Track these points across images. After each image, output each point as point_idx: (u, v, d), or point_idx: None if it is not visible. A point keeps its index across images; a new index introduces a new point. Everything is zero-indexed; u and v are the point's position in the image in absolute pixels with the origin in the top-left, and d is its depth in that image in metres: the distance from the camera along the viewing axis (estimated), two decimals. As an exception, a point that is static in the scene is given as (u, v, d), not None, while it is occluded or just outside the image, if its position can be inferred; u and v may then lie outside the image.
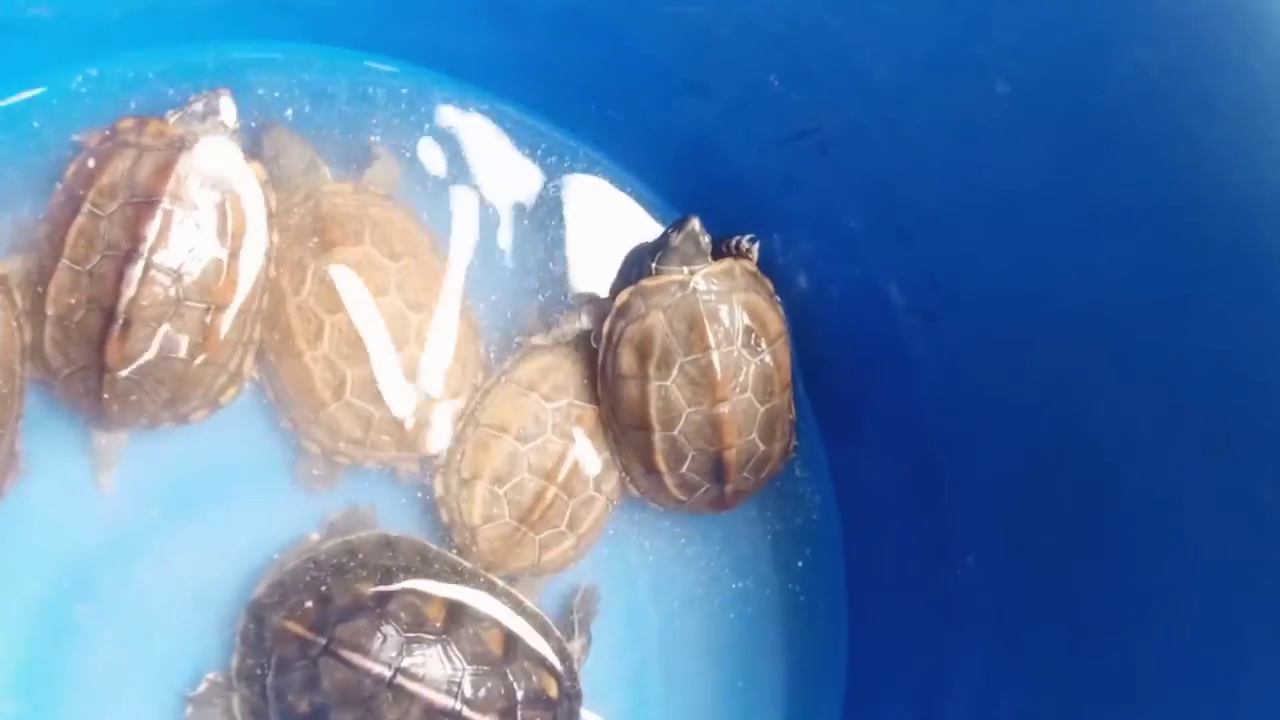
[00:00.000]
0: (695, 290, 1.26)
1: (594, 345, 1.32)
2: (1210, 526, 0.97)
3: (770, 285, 1.32)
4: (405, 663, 1.13)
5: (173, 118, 1.18)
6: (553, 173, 1.37)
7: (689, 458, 1.29)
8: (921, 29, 1.02)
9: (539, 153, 1.37)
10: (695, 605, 1.36)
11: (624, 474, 1.34)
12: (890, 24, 1.03)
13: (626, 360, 1.28)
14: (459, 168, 1.35)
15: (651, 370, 1.26)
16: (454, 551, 1.28)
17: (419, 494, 1.31)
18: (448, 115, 1.35)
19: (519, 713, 1.16)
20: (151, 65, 1.26)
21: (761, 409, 1.28)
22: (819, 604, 1.39)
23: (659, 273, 1.28)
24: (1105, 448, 1.06)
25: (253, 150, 1.24)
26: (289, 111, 1.30)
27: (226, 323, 1.19)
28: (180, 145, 1.15)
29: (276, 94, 1.29)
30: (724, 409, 1.25)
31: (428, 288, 1.27)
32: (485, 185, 1.36)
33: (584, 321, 1.33)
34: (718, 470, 1.29)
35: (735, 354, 1.26)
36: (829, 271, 1.32)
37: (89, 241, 1.13)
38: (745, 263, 1.31)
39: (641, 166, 1.38)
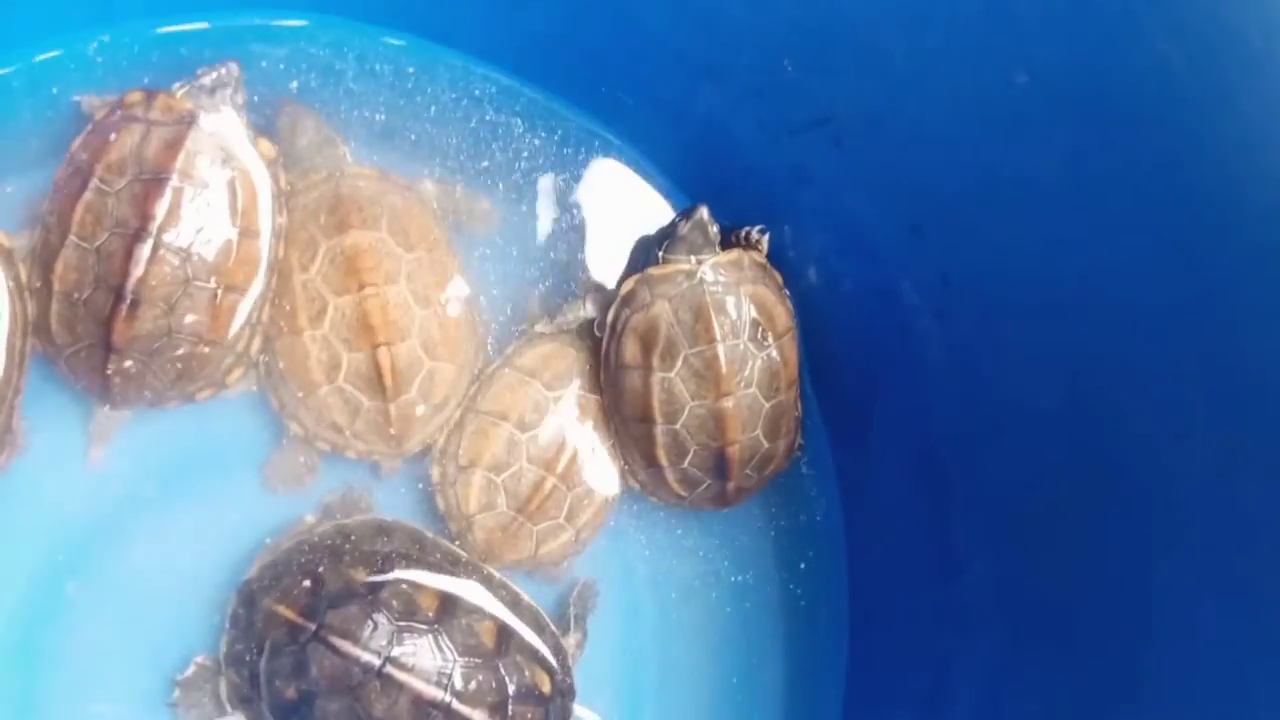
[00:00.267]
0: (702, 280, 1.23)
1: (597, 334, 1.30)
2: (1219, 533, 0.95)
3: (779, 278, 1.30)
4: (395, 652, 1.11)
5: (180, 91, 1.17)
6: (563, 156, 1.35)
7: (691, 452, 1.26)
8: (939, 15, 0.99)
9: (550, 135, 1.35)
10: (693, 597, 1.34)
11: (624, 467, 1.32)
12: (908, 10, 1.01)
13: (630, 350, 1.26)
14: (467, 149, 1.33)
15: (655, 361, 1.24)
16: (450, 540, 1.26)
17: (416, 481, 1.30)
18: (457, 95, 1.33)
19: (510, 707, 1.15)
20: (164, 33, 1.24)
21: (767, 405, 1.26)
22: (820, 604, 1.37)
23: (666, 261, 1.25)
24: (1116, 452, 1.03)
25: (261, 126, 1.22)
26: (294, 84, 1.28)
27: (235, 303, 1.17)
28: (189, 121, 1.14)
29: (282, 67, 1.27)
30: (728, 404, 1.23)
31: (437, 283, 1.25)
32: (493, 167, 1.34)
33: (588, 309, 1.32)
34: (720, 466, 1.27)
35: (741, 347, 1.23)
36: (840, 266, 1.29)
37: (96, 218, 1.12)
38: (754, 254, 1.28)
39: (653, 152, 1.35)
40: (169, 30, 1.25)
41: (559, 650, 1.22)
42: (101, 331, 1.13)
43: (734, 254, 1.26)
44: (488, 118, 1.33)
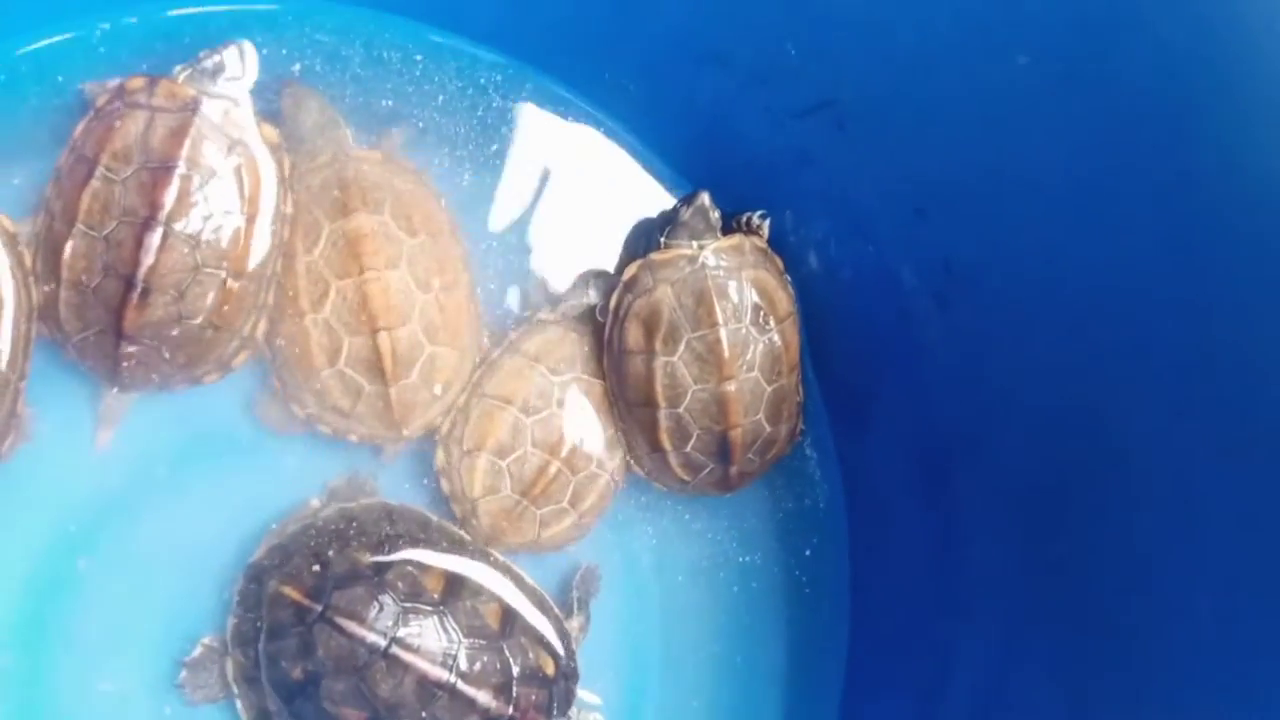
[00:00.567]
0: (704, 265, 1.24)
1: (600, 319, 1.30)
2: (1223, 524, 0.95)
3: (780, 263, 1.31)
4: (401, 633, 1.12)
5: (182, 75, 1.17)
6: (566, 143, 1.36)
7: (694, 437, 1.27)
8: (942, -3, 1.00)
9: (553, 122, 1.36)
10: (701, 578, 1.35)
11: (628, 453, 1.32)
12: (911, -9, 1.02)
13: (633, 335, 1.27)
14: (472, 136, 1.34)
15: (658, 345, 1.25)
16: (454, 524, 1.27)
17: (421, 465, 1.30)
18: (462, 83, 1.33)
19: (514, 688, 1.15)
20: (169, 18, 1.24)
21: (768, 389, 1.27)
22: (822, 587, 1.37)
23: (668, 247, 1.26)
24: (1119, 441, 1.04)
25: (265, 112, 1.22)
26: (296, 67, 1.28)
27: (243, 288, 1.18)
28: (193, 107, 1.14)
29: (284, 52, 1.27)
30: (730, 387, 1.24)
31: (439, 269, 1.25)
32: (499, 154, 1.34)
33: (591, 296, 1.32)
34: (723, 450, 1.27)
35: (743, 331, 1.24)
36: (841, 252, 1.30)
37: (104, 207, 1.12)
38: (756, 239, 1.29)
39: (656, 138, 1.36)
40: (175, 14, 1.25)
41: (563, 633, 1.23)
42: (112, 319, 1.13)
43: (735, 239, 1.27)
44: (494, 105, 1.34)
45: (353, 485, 1.26)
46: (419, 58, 1.32)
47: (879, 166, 1.18)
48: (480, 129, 1.34)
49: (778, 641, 1.36)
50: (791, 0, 1.10)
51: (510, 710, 1.14)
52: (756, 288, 1.25)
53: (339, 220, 1.21)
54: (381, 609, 1.12)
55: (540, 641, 1.20)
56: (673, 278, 1.24)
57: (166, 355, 1.17)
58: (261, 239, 1.18)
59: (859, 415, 1.36)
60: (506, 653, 1.16)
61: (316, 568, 1.16)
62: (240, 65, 1.18)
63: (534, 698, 1.17)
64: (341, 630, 1.11)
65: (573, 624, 1.26)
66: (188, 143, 1.12)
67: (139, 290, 1.12)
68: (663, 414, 1.26)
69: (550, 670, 1.19)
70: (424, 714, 1.12)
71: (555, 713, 1.19)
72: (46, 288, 1.16)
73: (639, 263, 1.27)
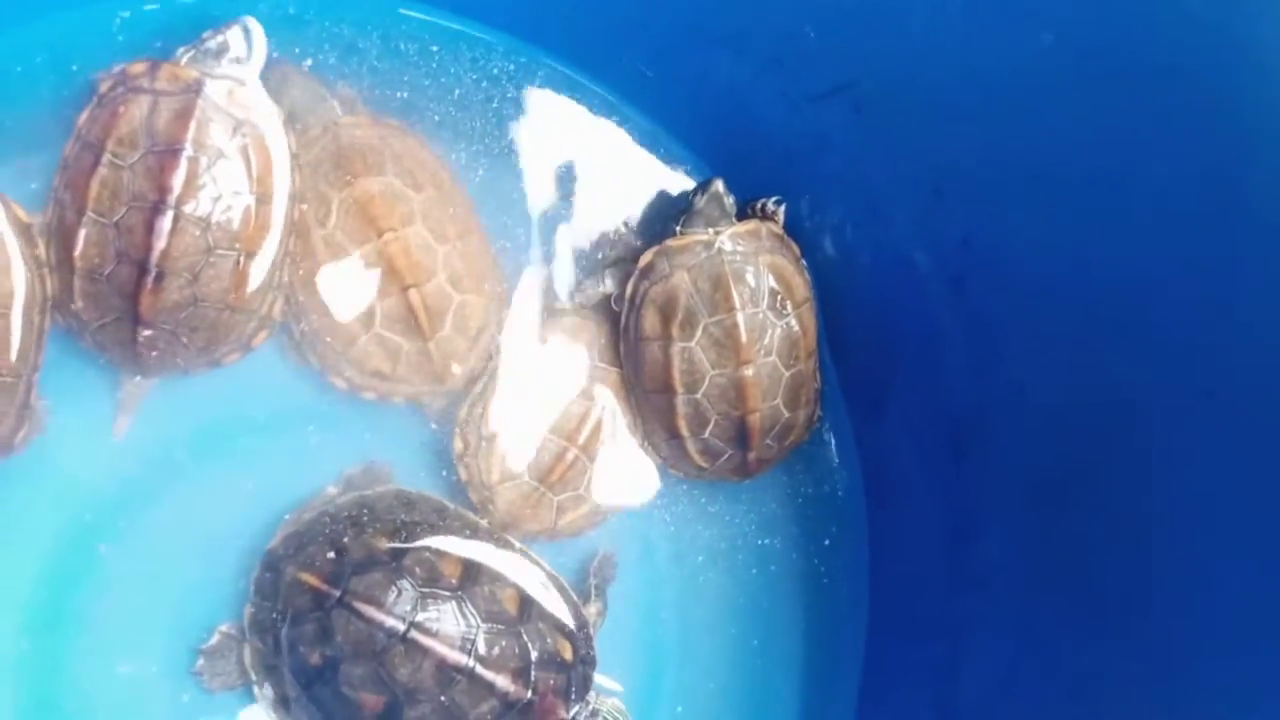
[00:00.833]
0: (721, 250, 1.24)
1: (615, 308, 1.30)
2: (1240, 509, 0.95)
3: (797, 249, 1.30)
4: (419, 617, 1.11)
5: (185, 56, 1.16)
6: (583, 131, 1.35)
7: (712, 422, 1.27)
8: (964, -25, 0.99)
9: (570, 109, 1.35)
10: (720, 560, 1.35)
11: (646, 440, 1.32)
12: (932, -31, 1.01)
13: (650, 321, 1.26)
14: (489, 129, 1.33)
15: (675, 331, 1.24)
16: (471, 511, 1.27)
17: (438, 451, 1.30)
18: (477, 74, 1.33)
19: (532, 673, 1.15)
20: (183, 5, 1.24)
21: (786, 374, 1.26)
22: (840, 572, 1.37)
23: (683, 234, 1.26)
24: (1137, 425, 1.03)
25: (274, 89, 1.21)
26: (308, 63, 1.27)
27: (257, 268, 1.17)
28: (196, 89, 1.13)
29: (297, 49, 1.27)
30: (748, 371, 1.23)
31: (452, 219, 1.25)
32: (515, 144, 1.34)
33: (607, 284, 1.32)
34: (741, 436, 1.27)
35: (761, 316, 1.24)
36: (858, 237, 1.29)
37: (113, 193, 1.12)
38: (771, 225, 1.29)
39: (672, 124, 1.35)
40: (189, 1, 1.25)
41: (580, 619, 1.23)
42: (128, 305, 1.13)
43: (752, 224, 1.27)
44: (509, 94, 1.34)
45: (369, 473, 1.26)
46: (435, 49, 1.32)
47: (897, 149, 1.17)
48: (496, 119, 1.33)
49: (795, 625, 1.35)
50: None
51: (529, 695, 1.14)
52: (773, 273, 1.25)
53: (345, 189, 1.21)
54: (400, 594, 1.12)
55: (558, 627, 1.19)
56: (689, 263, 1.24)
57: (185, 339, 1.17)
58: (272, 218, 1.17)
59: (877, 401, 1.36)
60: (525, 638, 1.16)
61: (334, 554, 1.15)
62: (245, 45, 1.17)
63: (552, 683, 1.16)
64: (360, 615, 1.11)
65: (590, 610, 1.26)
66: (193, 125, 1.11)
67: (153, 275, 1.11)
68: (680, 400, 1.26)
69: (568, 655, 1.19)
70: (442, 698, 1.12)
71: (573, 698, 1.19)
72: (61, 278, 1.16)
73: (655, 249, 1.27)
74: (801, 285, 1.29)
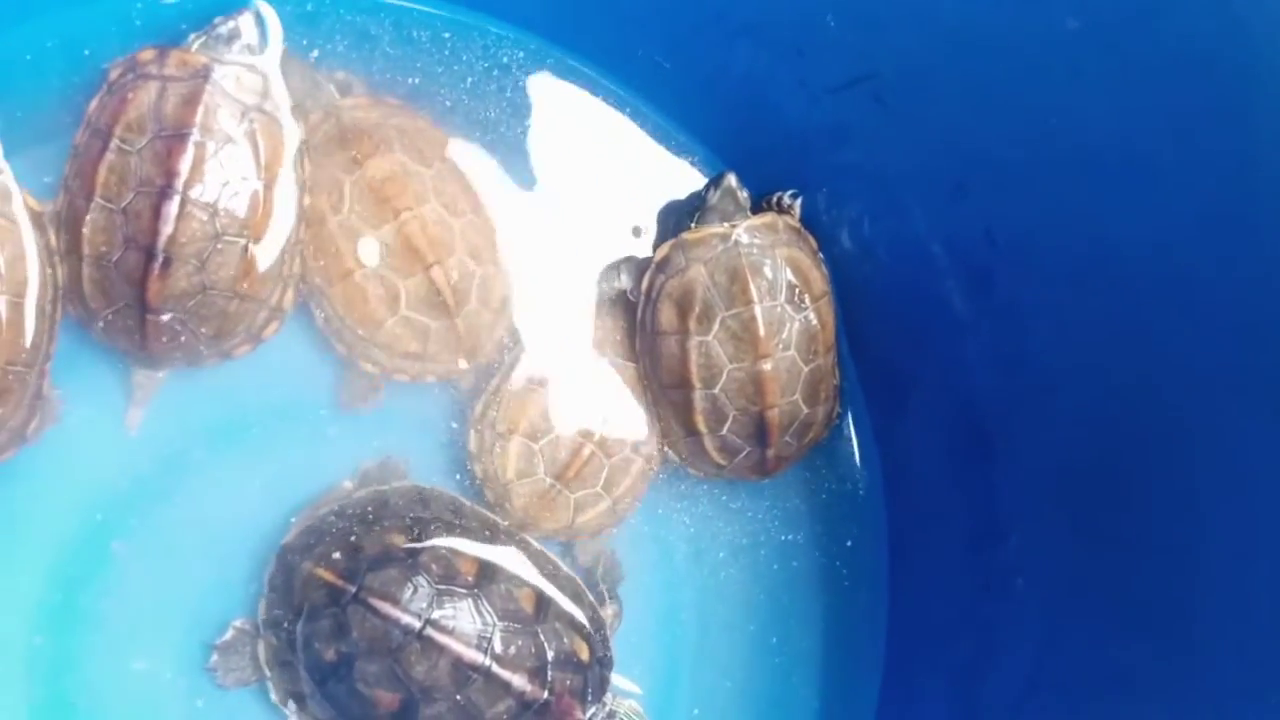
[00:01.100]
0: (737, 243, 1.22)
1: (631, 298, 1.29)
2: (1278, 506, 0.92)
3: (814, 242, 1.29)
4: (435, 615, 1.10)
5: (196, 42, 1.15)
6: (597, 124, 1.34)
7: (730, 418, 1.25)
8: (988, -39, 0.98)
9: (584, 102, 1.34)
10: (742, 555, 1.33)
11: (663, 438, 1.31)
12: (955, -44, 1.00)
13: (666, 315, 1.25)
14: (502, 117, 1.32)
15: (692, 325, 1.23)
16: (487, 508, 1.25)
17: (454, 448, 1.29)
18: (491, 62, 1.32)
19: (549, 673, 1.14)
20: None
21: (805, 368, 1.25)
22: (862, 575, 1.35)
23: (699, 227, 1.25)
24: (1168, 419, 1.01)
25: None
26: (315, 53, 1.27)
27: (266, 256, 1.16)
28: (204, 74, 1.12)
29: (306, 41, 1.26)
30: (767, 365, 1.22)
31: (463, 192, 1.25)
32: (529, 136, 1.33)
33: (623, 279, 1.31)
34: (760, 432, 1.25)
35: (779, 309, 1.22)
36: (877, 230, 1.28)
37: (120, 179, 1.11)
38: (788, 218, 1.27)
39: (687, 116, 1.34)
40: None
41: (597, 620, 1.21)
42: (136, 292, 1.12)
43: (768, 217, 1.25)
44: (522, 85, 1.33)
45: (385, 468, 1.25)
46: (448, 35, 1.31)
47: (919, 141, 1.16)
48: (511, 111, 1.32)
49: (815, 623, 1.34)
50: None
51: (545, 695, 1.13)
52: (791, 266, 1.24)
53: (355, 171, 1.20)
54: (416, 590, 1.11)
55: (575, 627, 1.18)
56: (705, 256, 1.23)
57: (194, 328, 1.16)
58: (281, 205, 1.16)
59: (898, 398, 1.34)
60: (541, 637, 1.14)
61: (349, 550, 1.14)
62: (257, 31, 1.17)
63: (569, 683, 1.15)
64: (375, 611, 1.10)
65: (606, 611, 1.24)
66: (201, 109, 1.11)
67: (160, 261, 1.10)
68: (698, 395, 1.25)
69: (585, 656, 1.17)
70: (458, 697, 1.10)
71: (590, 699, 1.18)
72: (70, 266, 1.15)
73: (670, 243, 1.26)
74: (819, 279, 1.27)
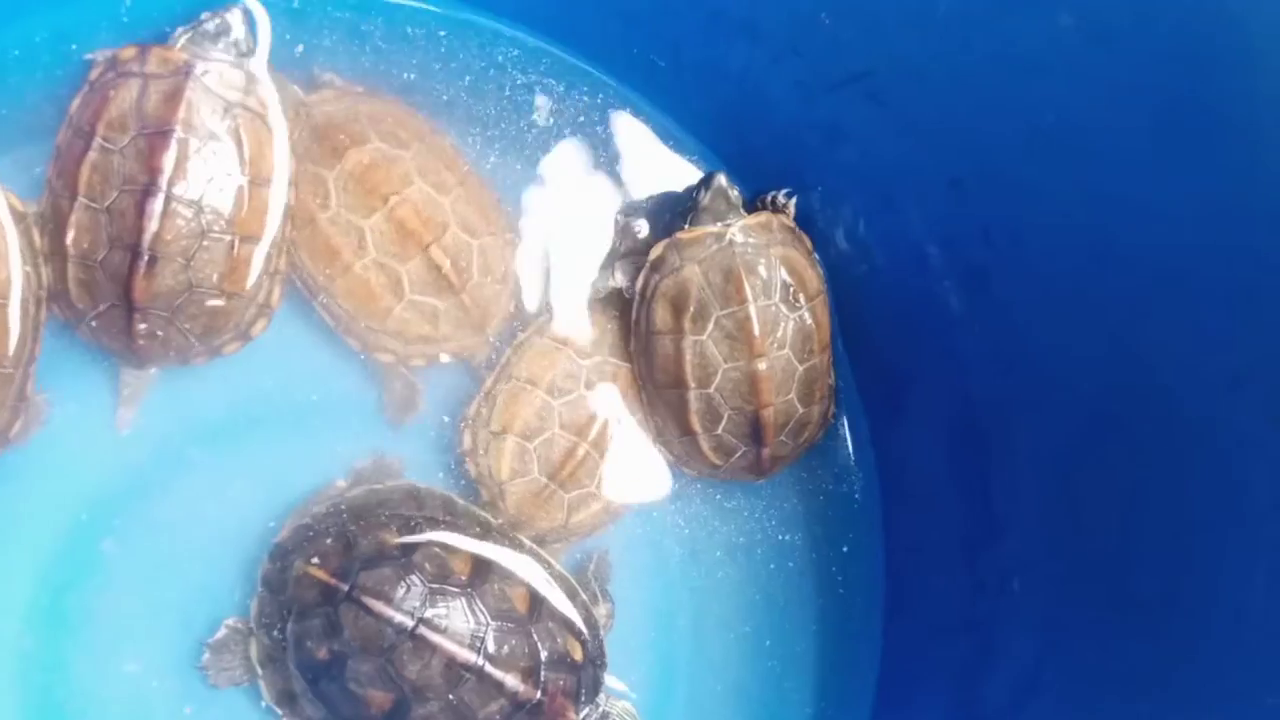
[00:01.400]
0: (732, 242, 1.22)
1: (627, 296, 1.28)
2: (1277, 505, 0.92)
3: (809, 242, 1.29)
4: (428, 613, 1.10)
5: (182, 38, 1.15)
6: (592, 121, 1.34)
7: (725, 418, 1.25)
8: (983, -42, 0.98)
9: (579, 100, 1.34)
10: (738, 553, 1.33)
11: (658, 438, 1.30)
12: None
13: (661, 315, 1.25)
14: (497, 114, 1.32)
15: (687, 324, 1.23)
16: (481, 507, 1.25)
17: (448, 448, 1.28)
18: (486, 59, 1.32)
19: (542, 673, 1.13)
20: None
21: (800, 368, 1.24)
22: (858, 578, 1.35)
23: (693, 226, 1.24)
24: (1167, 420, 1.01)
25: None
26: (299, 48, 1.26)
27: (252, 253, 1.16)
28: (186, 71, 1.11)
29: (300, 41, 1.26)
30: (761, 365, 1.21)
31: (446, 167, 1.25)
32: (524, 134, 1.33)
33: (618, 278, 1.30)
34: (755, 432, 1.25)
35: (773, 309, 1.22)
36: (873, 230, 1.27)
37: (104, 177, 1.11)
38: (782, 218, 1.27)
39: (684, 115, 1.34)
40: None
41: (591, 620, 1.21)
42: (121, 291, 1.12)
43: (763, 216, 1.25)
44: (518, 82, 1.33)
45: (379, 467, 1.25)
46: (443, 33, 1.31)
47: (915, 139, 1.15)
48: (510, 107, 1.32)
49: (810, 624, 1.33)
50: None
51: (538, 695, 1.12)
52: (785, 265, 1.23)
53: (336, 166, 1.20)
54: (409, 589, 1.10)
55: (568, 627, 1.18)
56: (700, 256, 1.23)
57: (181, 326, 1.16)
58: (268, 201, 1.16)
59: (894, 398, 1.34)
60: (535, 637, 1.14)
61: (342, 548, 1.14)
62: (244, 27, 1.16)
63: (562, 683, 1.14)
64: (368, 610, 1.09)
65: (600, 611, 1.24)
66: (183, 106, 1.10)
67: (145, 259, 1.10)
68: (692, 395, 1.24)
69: (578, 656, 1.17)
70: (451, 696, 1.10)
71: (583, 699, 1.17)
72: (55, 266, 1.14)
73: (665, 242, 1.26)
74: (814, 278, 1.27)
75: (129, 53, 1.13)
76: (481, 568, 1.15)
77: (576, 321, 1.29)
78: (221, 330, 1.19)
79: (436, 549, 1.15)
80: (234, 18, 1.15)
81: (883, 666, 1.32)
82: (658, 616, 1.32)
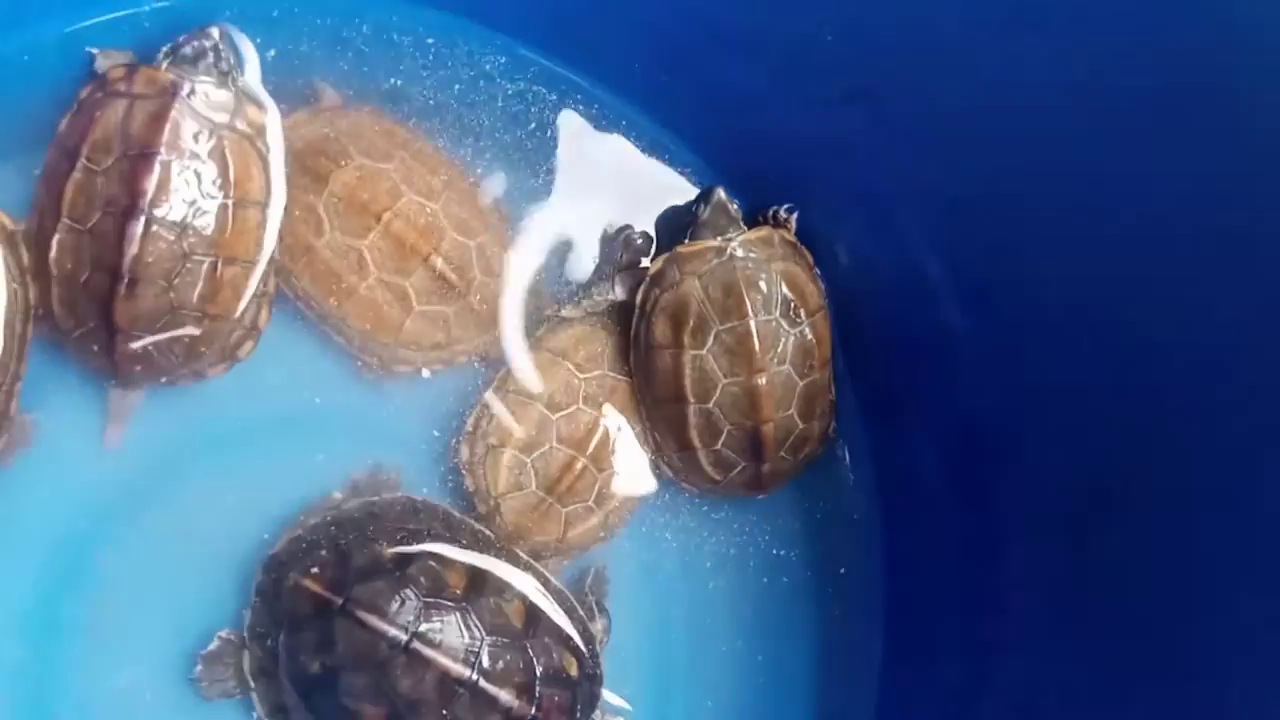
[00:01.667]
0: (732, 257, 1.22)
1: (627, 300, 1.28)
2: (1276, 523, 0.91)
3: (809, 257, 1.28)
4: (422, 628, 1.09)
5: (165, 61, 1.14)
6: (592, 136, 1.34)
7: (724, 433, 1.24)
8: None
9: (578, 114, 1.34)
10: (729, 565, 1.32)
11: (657, 452, 1.30)
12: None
13: (661, 329, 1.24)
14: (491, 127, 1.32)
15: (686, 339, 1.22)
16: (478, 521, 1.24)
17: (445, 460, 1.28)
18: (477, 70, 1.32)
19: (537, 689, 1.12)
20: (159, 8, 1.22)
21: (800, 383, 1.24)
22: (855, 595, 1.34)
23: (693, 241, 1.24)
24: (1169, 437, 1.00)
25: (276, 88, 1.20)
26: (271, 53, 1.25)
27: (236, 275, 1.15)
28: (173, 92, 1.10)
29: (289, 46, 1.26)
30: (761, 380, 1.21)
31: (432, 173, 1.25)
32: (519, 146, 1.32)
33: (617, 291, 1.30)
34: (754, 447, 1.24)
35: (774, 324, 1.22)
36: (873, 246, 1.27)
37: (88, 199, 1.10)
38: (783, 232, 1.27)
39: (683, 130, 1.34)
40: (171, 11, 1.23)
41: (587, 635, 1.20)
42: (103, 312, 1.11)
43: (764, 231, 1.25)
44: (512, 94, 1.33)
45: (376, 479, 1.24)
46: (431, 41, 1.31)
47: (917, 157, 1.15)
48: (504, 119, 1.32)
49: (806, 642, 1.32)
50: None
51: (533, 710, 1.11)
52: (786, 280, 1.23)
53: (323, 189, 1.20)
54: (403, 603, 1.10)
55: (564, 642, 1.17)
56: (700, 270, 1.22)
57: (164, 348, 1.15)
58: (251, 223, 1.15)
59: (894, 415, 1.33)
60: (530, 652, 1.13)
61: (337, 561, 1.13)
62: (225, 47, 1.15)
63: (557, 699, 1.13)
64: (362, 624, 1.08)
65: (596, 626, 1.23)
66: (167, 128, 1.09)
67: (125, 281, 1.09)
68: (692, 410, 1.24)
69: (574, 671, 1.16)
70: (444, 712, 1.09)
71: (579, 715, 1.16)
72: (40, 286, 1.14)
73: (665, 256, 1.25)
74: (815, 294, 1.26)
75: (117, 72, 1.12)
76: (477, 582, 1.15)
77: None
78: (205, 352, 1.18)
79: (432, 563, 1.14)
80: (210, 39, 1.14)
81: (882, 683, 1.31)
82: (654, 633, 1.31)
